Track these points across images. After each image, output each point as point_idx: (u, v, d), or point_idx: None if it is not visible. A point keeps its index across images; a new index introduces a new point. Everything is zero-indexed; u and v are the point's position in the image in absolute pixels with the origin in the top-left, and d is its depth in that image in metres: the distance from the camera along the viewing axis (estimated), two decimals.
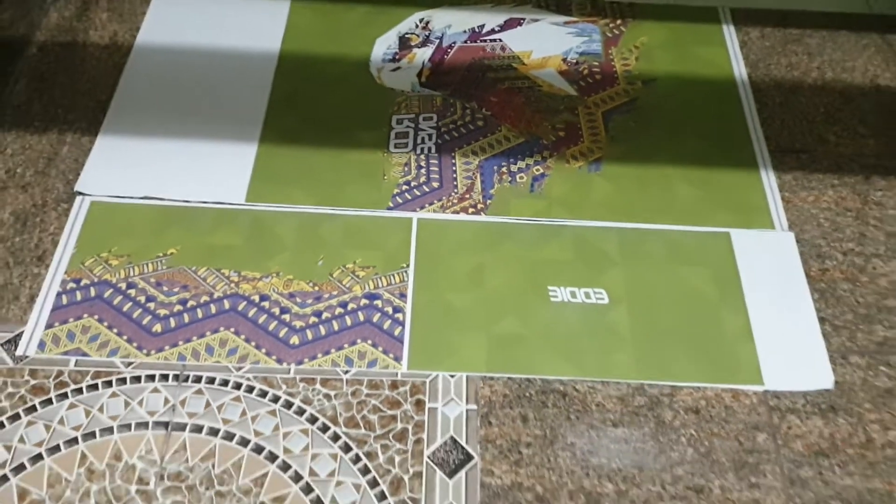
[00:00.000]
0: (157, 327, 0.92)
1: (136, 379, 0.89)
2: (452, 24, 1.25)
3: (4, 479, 0.82)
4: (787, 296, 0.98)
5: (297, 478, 0.83)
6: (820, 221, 1.05)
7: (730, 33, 1.27)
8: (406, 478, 0.83)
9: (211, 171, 1.05)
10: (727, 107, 1.17)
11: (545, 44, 1.23)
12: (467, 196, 1.05)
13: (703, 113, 1.16)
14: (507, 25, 1.25)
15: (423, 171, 1.07)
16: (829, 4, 1.32)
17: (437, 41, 1.22)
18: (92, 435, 0.85)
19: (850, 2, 1.33)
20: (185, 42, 1.20)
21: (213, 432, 0.85)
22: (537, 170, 1.08)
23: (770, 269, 1.00)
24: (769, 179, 1.09)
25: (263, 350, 0.91)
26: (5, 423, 0.85)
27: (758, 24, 1.29)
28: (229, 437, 0.85)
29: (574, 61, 1.21)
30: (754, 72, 1.22)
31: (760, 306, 0.96)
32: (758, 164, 1.10)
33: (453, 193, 1.05)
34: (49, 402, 0.87)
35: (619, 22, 1.27)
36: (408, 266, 0.98)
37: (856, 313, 0.97)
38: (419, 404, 0.88)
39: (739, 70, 1.22)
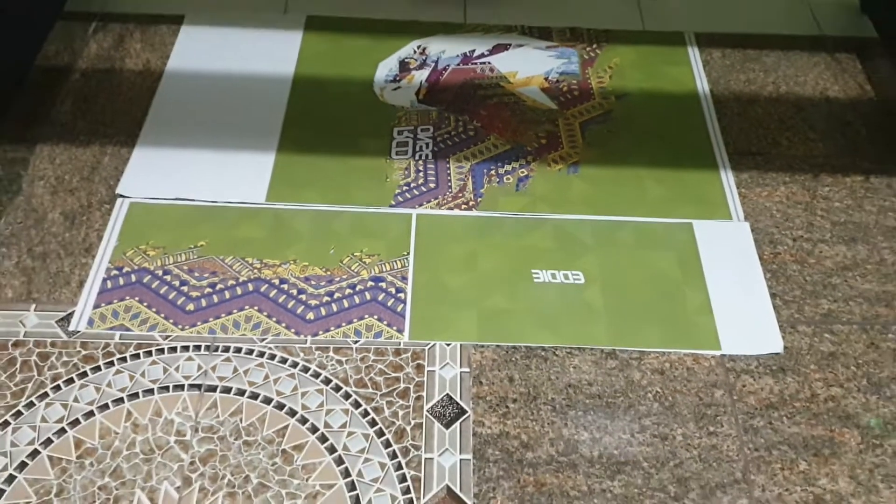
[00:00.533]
0: (190, 306, 1.06)
1: (173, 349, 1.02)
2: (446, 49, 1.40)
3: (62, 431, 0.94)
4: (743, 275, 1.11)
5: (314, 429, 0.95)
6: (773, 213, 1.19)
7: (694, 54, 1.42)
8: (408, 428, 0.96)
9: (235, 176, 1.19)
10: (691, 117, 1.32)
11: (529, 65, 1.38)
12: (460, 195, 1.19)
13: (669, 122, 1.31)
14: (495, 50, 1.41)
15: (421, 174, 1.21)
16: (784, 27, 1.48)
17: (433, 64, 1.38)
18: (136, 395, 0.98)
19: (802, 25, 1.49)
20: (210, 67, 1.35)
21: (240, 392, 0.98)
22: (522, 172, 1.22)
23: (728, 253, 1.13)
24: (728, 178, 1.23)
25: (283, 324, 1.04)
26: (62, 385, 0.98)
27: (719, 46, 1.44)
28: (254, 396, 0.98)
29: (555, 80, 1.36)
30: (716, 87, 1.37)
31: (719, 284, 1.10)
32: (718, 165, 1.24)
33: (448, 193, 1.19)
34: (98, 368, 1.00)
35: (594, 46, 1.43)
36: (408, 254, 1.12)
37: (803, 290, 1.10)
38: (419, 368, 1.01)
39: (702, 85, 1.37)
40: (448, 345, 1.03)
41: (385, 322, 1.05)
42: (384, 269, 1.10)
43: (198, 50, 1.38)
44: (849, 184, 1.23)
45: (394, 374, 1.00)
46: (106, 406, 0.97)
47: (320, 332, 1.04)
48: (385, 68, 1.37)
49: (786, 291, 1.10)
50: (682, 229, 1.16)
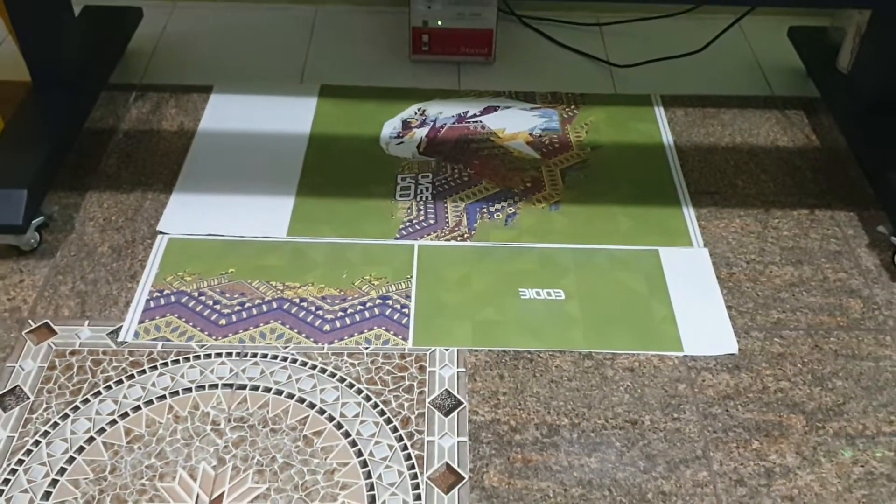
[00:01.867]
0: (223, 321, 1.22)
1: (208, 356, 1.17)
2: (443, 111, 1.61)
3: (114, 422, 1.09)
4: (702, 291, 1.27)
5: (331, 419, 1.10)
6: (729, 241, 1.36)
7: (660, 112, 1.62)
8: (413, 417, 1.11)
9: (259, 215, 1.37)
10: (657, 164, 1.51)
11: (515, 123, 1.58)
12: (456, 229, 1.37)
13: (638, 168, 1.49)
14: (486, 111, 1.61)
15: (422, 212, 1.39)
16: (739, 89, 1.69)
17: (432, 123, 1.58)
18: (176, 393, 1.13)
19: (755, 87, 1.70)
20: (236, 128, 1.55)
21: (267, 390, 1.13)
22: (510, 210, 1.40)
23: (689, 273, 1.30)
24: (689, 212, 1.41)
25: (303, 334, 1.20)
26: (112, 385, 1.13)
27: (682, 106, 1.64)
28: (279, 392, 1.13)
29: (538, 135, 1.56)
30: (679, 139, 1.56)
31: (681, 299, 1.26)
32: (680, 202, 1.43)
33: (445, 227, 1.37)
34: (143, 372, 1.15)
35: (573, 107, 1.63)
36: (411, 277, 1.28)
37: (756, 303, 1.26)
38: (421, 368, 1.16)
39: (667, 138, 1.56)
40: (446, 350, 1.18)
41: (392, 332, 1.21)
42: (390, 290, 1.26)
43: (226, 113, 1.59)
44: (796, 216, 1.41)
45: (399, 374, 1.15)
46: (151, 402, 1.12)
47: (335, 341, 1.19)
48: (389, 127, 1.57)
49: (740, 304, 1.26)
50: (650, 254, 1.33)
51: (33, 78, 1.45)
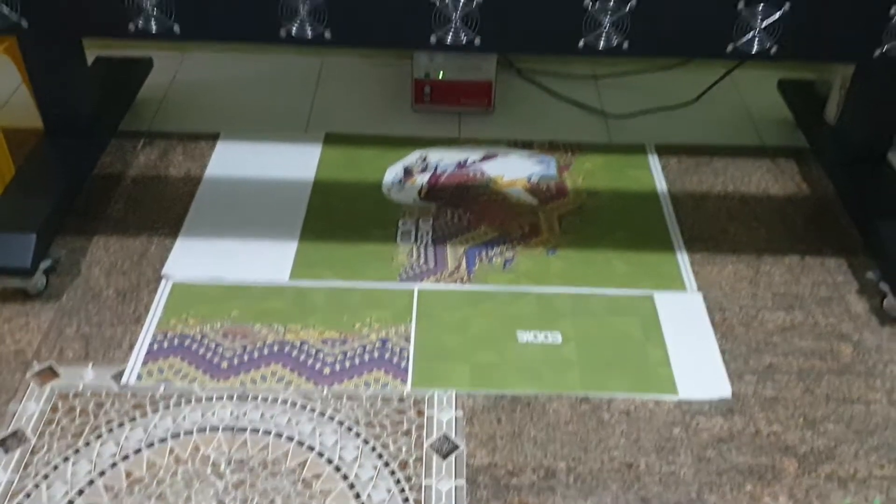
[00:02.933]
0: (224, 364, 1.24)
1: (210, 399, 1.20)
2: (444, 158, 1.65)
3: (114, 465, 1.11)
4: (696, 336, 1.30)
5: (330, 461, 1.12)
6: (722, 286, 1.39)
7: (654, 161, 1.67)
8: (411, 460, 1.12)
9: (263, 260, 1.40)
10: (652, 210, 1.54)
11: (514, 170, 1.62)
12: (455, 272, 1.40)
13: (633, 215, 1.53)
14: (485, 158, 1.65)
15: (422, 256, 1.42)
16: (731, 139, 1.73)
17: (433, 170, 1.62)
18: (177, 435, 1.15)
19: (747, 137, 1.74)
20: (242, 174, 1.59)
21: (267, 433, 1.15)
22: (508, 254, 1.43)
23: (683, 317, 1.33)
24: (683, 258, 1.44)
25: (304, 377, 1.22)
26: (114, 427, 1.15)
27: (676, 154, 1.69)
28: (279, 435, 1.15)
29: (536, 182, 1.60)
30: (673, 186, 1.60)
31: (676, 343, 1.28)
32: (674, 248, 1.46)
33: (444, 271, 1.40)
34: (145, 414, 1.17)
35: (569, 155, 1.68)
36: (411, 320, 1.31)
37: (748, 347, 1.29)
38: (420, 412, 1.18)
39: (661, 185, 1.60)
40: (445, 393, 1.20)
41: (391, 375, 1.23)
42: (390, 333, 1.29)
43: (232, 160, 1.63)
44: (787, 262, 1.44)
45: (398, 417, 1.17)
46: (152, 444, 1.13)
47: (335, 384, 1.21)
48: (392, 173, 1.61)
49: (733, 349, 1.28)
50: (645, 299, 1.36)
51: (45, 125, 1.50)
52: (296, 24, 1.04)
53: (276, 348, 1.26)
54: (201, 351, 1.26)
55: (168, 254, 1.42)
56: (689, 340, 1.29)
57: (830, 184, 1.59)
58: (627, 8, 1.03)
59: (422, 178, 1.60)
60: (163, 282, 1.37)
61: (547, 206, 1.54)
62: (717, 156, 1.69)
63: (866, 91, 1.48)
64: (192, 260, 1.41)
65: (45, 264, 1.32)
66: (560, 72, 1.91)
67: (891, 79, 1.42)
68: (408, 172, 1.61)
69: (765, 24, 1.05)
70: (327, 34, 1.06)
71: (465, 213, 1.52)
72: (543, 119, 1.79)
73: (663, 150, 1.69)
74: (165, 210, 1.51)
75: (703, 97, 1.81)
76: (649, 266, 1.42)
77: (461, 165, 1.64)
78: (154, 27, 1.04)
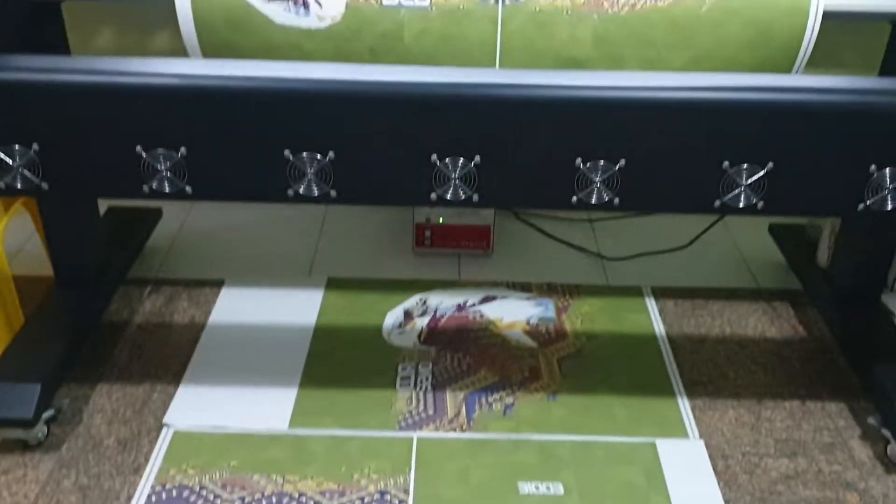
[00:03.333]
0: None
1: None
2: (444, 301, 1.68)
3: None
4: (700, 485, 1.28)
5: None
6: (724, 432, 1.39)
7: (651, 304, 1.69)
8: None
9: (263, 407, 1.41)
10: (651, 354, 1.56)
11: (513, 313, 1.65)
12: (455, 420, 1.40)
13: (633, 358, 1.54)
14: (485, 300, 1.69)
15: (421, 402, 1.43)
16: (727, 282, 1.77)
17: (433, 313, 1.64)
18: None
19: (742, 280, 1.78)
20: (245, 320, 1.62)
21: None
22: (508, 399, 1.44)
23: (686, 466, 1.32)
24: (684, 403, 1.44)
25: None
26: None
27: (672, 297, 1.72)
28: None
29: (535, 324, 1.62)
30: (671, 330, 1.62)
31: (679, 492, 1.27)
32: (675, 392, 1.46)
33: (444, 418, 1.40)
34: None
35: (567, 297, 1.71)
36: (410, 470, 1.30)
37: (753, 496, 1.27)
38: None
39: (659, 329, 1.62)
40: None
41: None
42: (389, 485, 1.28)
43: (236, 306, 1.66)
44: (788, 407, 1.44)
45: None
46: None
47: None
48: (392, 317, 1.63)
49: (737, 498, 1.27)
50: (647, 446, 1.35)
51: (56, 275, 1.54)
52: (303, 185, 1.10)
53: (274, 500, 1.25)
54: (199, 502, 1.24)
55: (170, 401, 1.42)
56: (692, 490, 1.27)
57: (826, 326, 1.61)
58: (617, 167, 1.09)
59: (421, 322, 1.62)
60: (164, 430, 1.37)
61: (547, 349, 1.56)
62: (713, 298, 1.72)
63: (855, 237, 1.53)
64: (194, 408, 1.41)
65: (47, 414, 1.32)
66: (557, 215, 1.97)
67: (878, 225, 1.47)
68: (408, 316, 1.64)
69: (750, 181, 1.10)
70: (333, 193, 1.11)
71: (464, 356, 1.54)
72: (541, 261, 1.84)
73: (660, 293, 1.72)
74: (169, 357, 1.53)
75: (696, 241, 1.85)
76: (650, 412, 1.42)
77: (461, 308, 1.66)
78: (167, 188, 1.10)
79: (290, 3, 1.15)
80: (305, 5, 1.15)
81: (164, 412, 1.40)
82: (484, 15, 1.15)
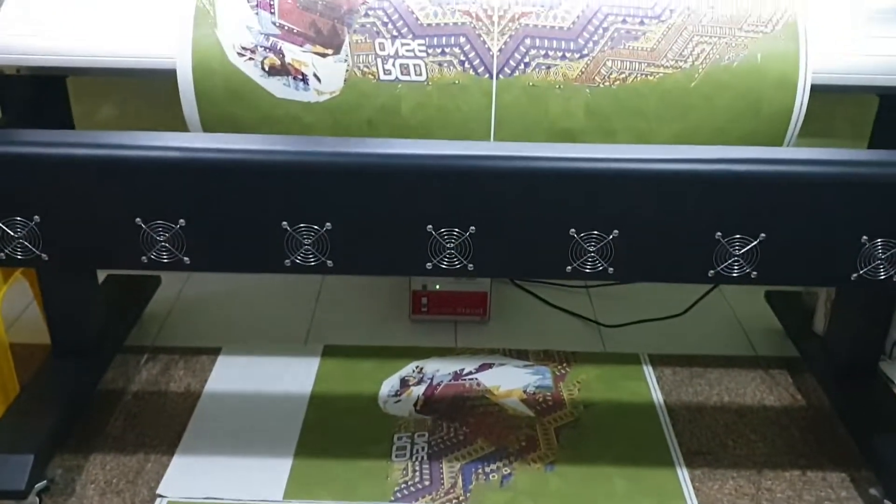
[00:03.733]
0: None
1: None
2: (440, 368, 1.68)
3: None
4: None
5: None
6: (724, 503, 1.37)
7: (648, 371, 1.69)
8: None
9: (257, 477, 1.39)
10: (649, 423, 1.55)
11: (510, 380, 1.65)
12: (451, 491, 1.38)
13: (631, 427, 1.53)
14: (481, 368, 1.68)
15: (417, 473, 1.41)
16: (724, 350, 1.77)
17: (429, 381, 1.64)
18: None
19: (739, 347, 1.78)
20: (242, 388, 1.61)
21: None
22: (506, 470, 1.42)
23: None
24: (683, 473, 1.42)
25: None
26: None
27: (670, 365, 1.71)
28: None
29: (532, 392, 1.61)
30: (668, 398, 1.61)
31: None
32: (674, 462, 1.45)
33: (440, 489, 1.38)
34: None
35: (564, 364, 1.70)
36: None
37: None
38: None
39: (657, 397, 1.62)
40: None
41: None
42: None
43: (232, 374, 1.66)
44: (788, 477, 1.43)
45: None
46: None
47: None
48: (388, 385, 1.63)
49: None
50: None
51: (53, 343, 1.54)
52: (300, 256, 1.11)
53: None
54: None
55: (165, 471, 1.41)
56: None
57: (825, 394, 1.60)
58: (611, 237, 1.10)
59: (418, 390, 1.61)
60: (158, 501, 1.35)
61: (544, 419, 1.55)
62: (711, 366, 1.71)
63: (851, 304, 1.53)
64: (189, 478, 1.39)
65: (39, 485, 1.31)
66: (553, 282, 1.98)
67: (874, 293, 1.48)
68: (404, 384, 1.63)
69: (742, 251, 1.11)
70: (330, 263, 1.12)
71: (461, 426, 1.52)
72: (538, 328, 1.84)
73: (657, 361, 1.72)
74: (164, 427, 1.51)
75: (693, 307, 1.86)
76: (650, 483, 1.41)
77: (457, 376, 1.66)
78: (165, 259, 1.11)
79: (290, 79, 1.18)
80: (305, 80, 1.18)
81: (158, 483, 1.38)
82: (479, 89, 1.18)
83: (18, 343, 1.57)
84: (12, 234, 1.10)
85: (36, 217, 1.09)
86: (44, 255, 1.11)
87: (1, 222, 1.09)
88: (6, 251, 1.11)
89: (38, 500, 1.31)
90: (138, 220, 1.09)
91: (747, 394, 1.63)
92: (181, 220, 1.09)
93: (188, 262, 1.11)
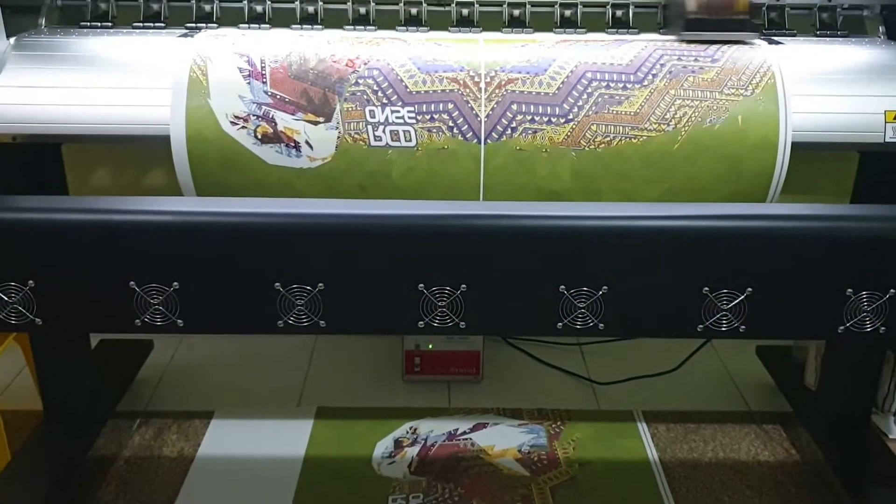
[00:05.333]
0: None
1: None
2: (434, 429, 1.67)
3: None
4: None
5: None
6: None
7: (643, 428, 1.69)
8: None
9: None
10: (645, 481, 1.54)
11: (504, 440, 1.64)
12: None
13: (627, 487, 1.53)
14: (476, 428, 1.68)
15: None
16: (717, 405, 1.77)
17: (423, 441, 1.63)
18: None
19: (732, 402, 1.78)
20: (234, 452, 1.61)
21: None
22: None
23: None
24: None
25: None
26: None
27: (664, 422, 1.71)
28: None
29: (527, 451, 1.61)
30: (664, 455, 1.61)
31: None
32: None
33: None
34: None
35: (559, 423, 1.70)
36: None
37: None
38: None
39: (652, 454, 1.61)
40: None
41: None
42: None
43: (225, 438, 1.65)
44: None
45: None
46: None
47: None
48: (382, 446, 1.62)
49: None
50: None
51: (45, 409, 1.53)
52: (293, 316, 1.12)
53: None
54: None
55: None
56: None
57: (819, 449, 1.60)
58: (600, 293, 1.11)
59: (412, 451, 1.61)
60: None
61: (539, 478, 1.54)
62: (705, 422, 1.71)
63: (841, 358, 1.54)
64: None
65: None
66: (546, 340, 1.99)
67: (863, 346, 1.49)
68: (398, 445, 1.63)
69: (730, 306, 1.12)
70: (322, 323, 1.13)
71: (455, 487, 1.51)
72: (532, 386, 1.84)
73: (651, 417, 1.72)
74: (156, 493, 1.50)
75: (686, 364, 1.86)
76: None
77: (451, 436, 1.65)
78: (159, 322, 1.11)
79: (283, 146, 1.21)
80: (297, 147, 1.21)
81: None
82: (467, 153, 1.21)
83: (10, 410, 1.56)
84: (6, 299, 1.10)
85: (30, 282, 1.10)
86: (38, 320, 1.11)
87: None
88: (0, 316, 1.11)
89: None
90: (132, 283, 1.10)
91: (742, 449, 1.63)
92: (175, 283, 1.10)
93: (181, 325, 1.12)
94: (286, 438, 1.65)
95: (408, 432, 1.67)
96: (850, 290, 1.11)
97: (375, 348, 1.96)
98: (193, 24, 1.34)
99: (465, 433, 1.66)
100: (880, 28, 1.36)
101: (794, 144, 1.23)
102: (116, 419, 1.69)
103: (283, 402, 1.77)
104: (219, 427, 1.68)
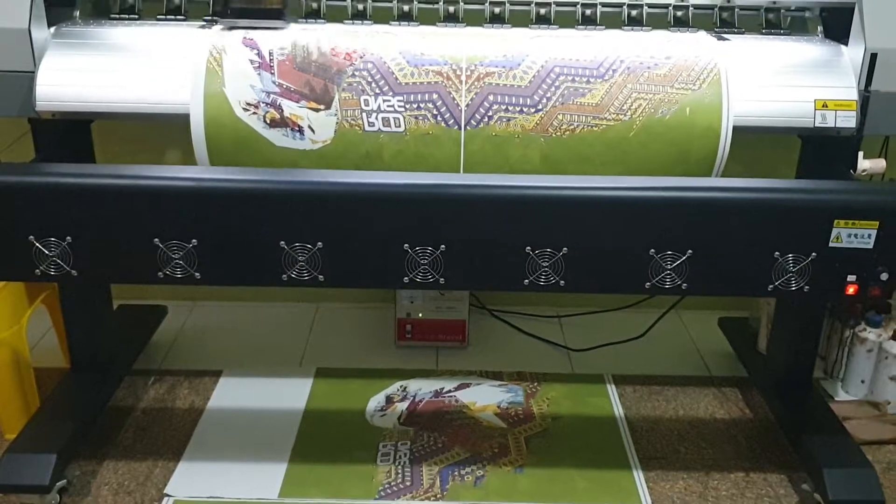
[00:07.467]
0: None
1: None
2: (422, 387, 1.85)
3: None
4: None
5: None
6: (674, 500, 1.53)
7: (612, 389, 1.86)
8: None
9: (256, 479, 1.55)
10: (610, 433, 1.71)
11: (485, 397, 1.81)
12: (430, 490, 1.54)
13: (594, 437, 1.70)
14: (460, 387, 1.85)
15: (399, 475, 1.57)
16: (681, 370, 1.94)
17: (412, 398, 1.80)
18: None
19: (695, 368, 1.95)
20: (241, 405, 1.78)
21: None
22: (479, 472, 1.58)
23: None
24: (639, 475, 1.58)
25: None
26: None
27: (632, 384, 1.88)
28: None
29: (505, 408, 1.78)
30: (629, 411, 1.78)
31: None
32: (631, 466, 1.61)
33: (420, 488, 1.54)
34: None
35: (535, 384, 1.87)
36: None
37: None
38: None
39: (618, 411, 1.78)
40: None
41: None
42: None
43: (233, 393, 1.82)
44: (733, 478, 1.59)
45: None
46: None
47: None
48: (375, 401, 1.79)
49: None
50: None
51: (72, 361, 1.70)
52: (295, 271, 1.29)
53: None
54: None
55: (171, 475, 1.56)
56: None
57: (767, 407, 1.77)
58: (560, 254, 1.29)
59: (402, 406, 1.78)
60: (165, 500, 1.51)
61: (515, 429, 1.71)
62: (669, 385, 1.88)
63: (786, 323, 1.71)
64: (193, 480, 1.55)
65: (60, 483, 1.46)
66: (527, 312, 2.16)
67: (805, 311, 1.66)
68: (389, 400, 1.80)
69: (673, 265, 1.29)
70: (321, 277, 1.30)
71: (440, 436, 1.69)
72: (512, 353, 2.01)
73: (620, 380, 1.89)
74: (170, 437, 1.67)
75: (654, 333, 2.03)
76: (609, 482, 1.57)
77: (438, 394, 1.82)
78: (179, 275, 1.29)
79: (288, 129, 1.37)
80: (301, 131, 1.37)
81: (165, 484, 1.54)
82: (449, 138, 1.37)
83: (36, 367, 1.73)
84: (47, 252, 1.28)
85: (68, 238, 1.27)
86: (73, 272, 1.29)
87: (38, 242, 1.27)
88: (41, 268, 1.29)
89: (58, 496, 1.47)
90: (156, 240, 1.27)
91: (700, 408, 1.80)
92: (193, 241, 1.27)
93: (199, 277, 1.30)
94: (288, 394, 1.82)
95: (398, 390, 1.84)
96: (777, 252, 1.28)
97: (371, 317, 2.14)
98: (210, 17, 1.51)
99: (450, 391, 1.84)
100: (819, 28, 1.52)
101: (736, 129, 1.39)
102: (133, 376, 1.86)
103: (286, 362, 1.95)
104: (227, 384, 1.86)
